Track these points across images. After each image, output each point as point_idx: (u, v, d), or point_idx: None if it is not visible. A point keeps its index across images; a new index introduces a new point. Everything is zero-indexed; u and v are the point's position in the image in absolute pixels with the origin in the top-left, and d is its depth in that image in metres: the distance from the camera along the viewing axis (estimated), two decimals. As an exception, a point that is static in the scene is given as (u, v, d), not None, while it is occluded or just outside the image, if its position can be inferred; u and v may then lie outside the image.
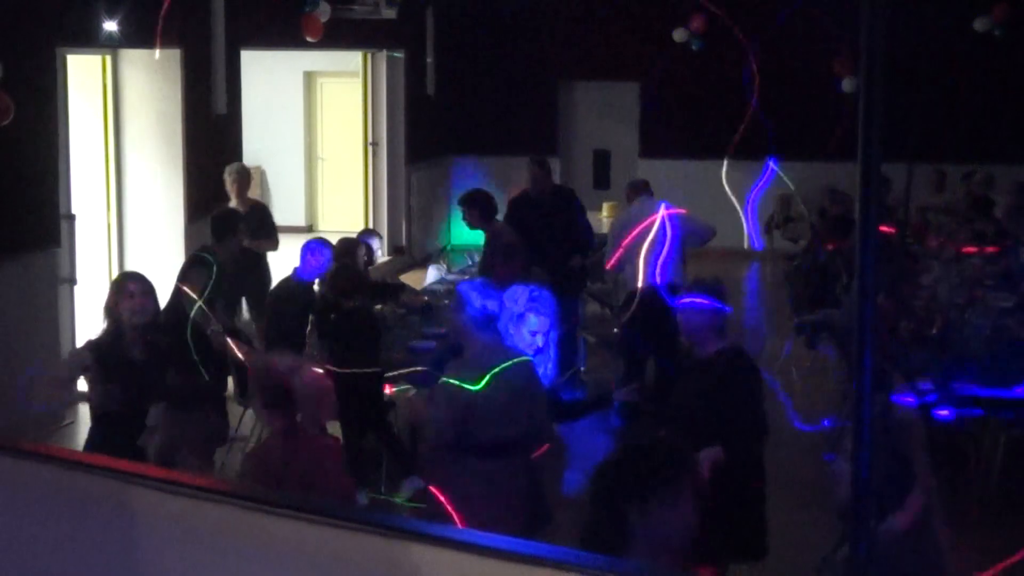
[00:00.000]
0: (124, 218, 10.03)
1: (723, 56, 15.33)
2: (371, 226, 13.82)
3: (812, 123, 14.89)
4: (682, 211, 8.96)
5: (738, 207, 7.03)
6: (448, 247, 14.66)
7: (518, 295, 5.16)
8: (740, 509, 4.92)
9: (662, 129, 16.09)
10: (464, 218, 8.64)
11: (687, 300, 5.10)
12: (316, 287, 7.96)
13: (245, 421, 7.73)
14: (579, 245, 9.35)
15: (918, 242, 10.53)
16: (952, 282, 8.48)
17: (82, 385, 5.40)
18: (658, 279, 8.11)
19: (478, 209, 8.58)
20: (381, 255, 9.08)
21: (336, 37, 12.28)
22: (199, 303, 6.67)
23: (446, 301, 8.27)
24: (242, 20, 10.75)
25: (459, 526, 4.29)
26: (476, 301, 4.88)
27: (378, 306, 8.05)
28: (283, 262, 8.46)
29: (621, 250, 8.63)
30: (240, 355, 6.08)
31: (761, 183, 6.85)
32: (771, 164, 6.74)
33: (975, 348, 7.01)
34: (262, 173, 16.71)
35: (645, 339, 8.10)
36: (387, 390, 7.10)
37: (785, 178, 7.15)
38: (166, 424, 5.65)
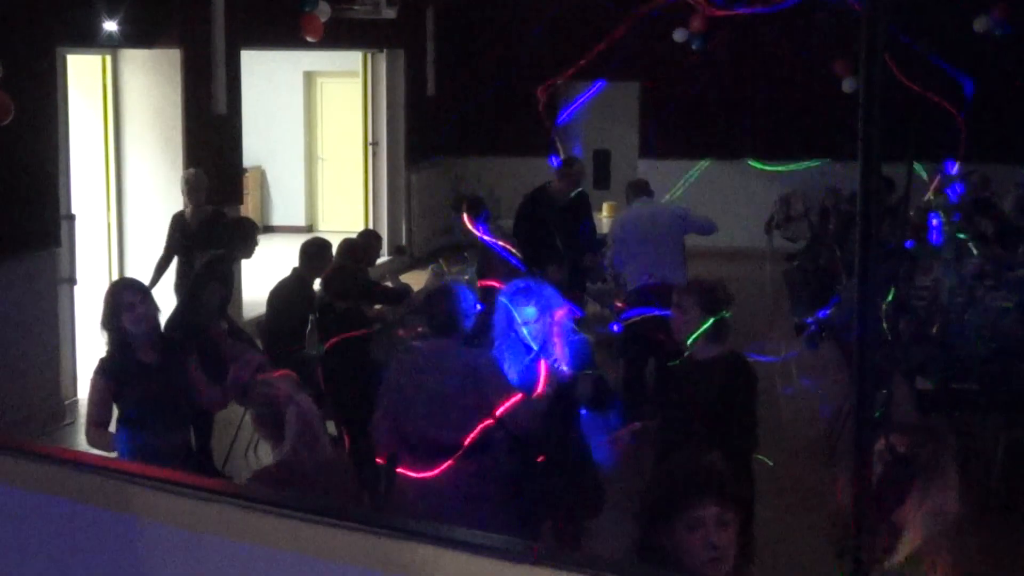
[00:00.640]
0: (124, 218, 10.03)
1: (723, 56, 15.34)
2: (371, 226, 13.83)
3: (812, 123, 14.90)
4: (680, 208, 8.98)
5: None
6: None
7: (509, 289, 5.19)
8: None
9: (662, 129, 16.09)
10: (457, 222, 8.70)
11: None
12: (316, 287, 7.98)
13: (247, 421, 7.73)
14: (590, 244, 9.41)
15: (918, 242, 10.54)
16: (952, 282, 8.49)
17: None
18: (658, 279, 8.11)
19: (467, 213, 8.62)
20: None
21: (336, 37, 12.28)
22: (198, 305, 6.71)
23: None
24: (242, 20, 10.76)
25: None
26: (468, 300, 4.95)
27: (377, 306, 8.05)
28: (283, 262, 8.46)
29: (621, 250, 8.64)
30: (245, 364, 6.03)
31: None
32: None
33: (975, 348, 7.01)
34: (262, 173, 16.72)
35: (645, 339, 8.09)
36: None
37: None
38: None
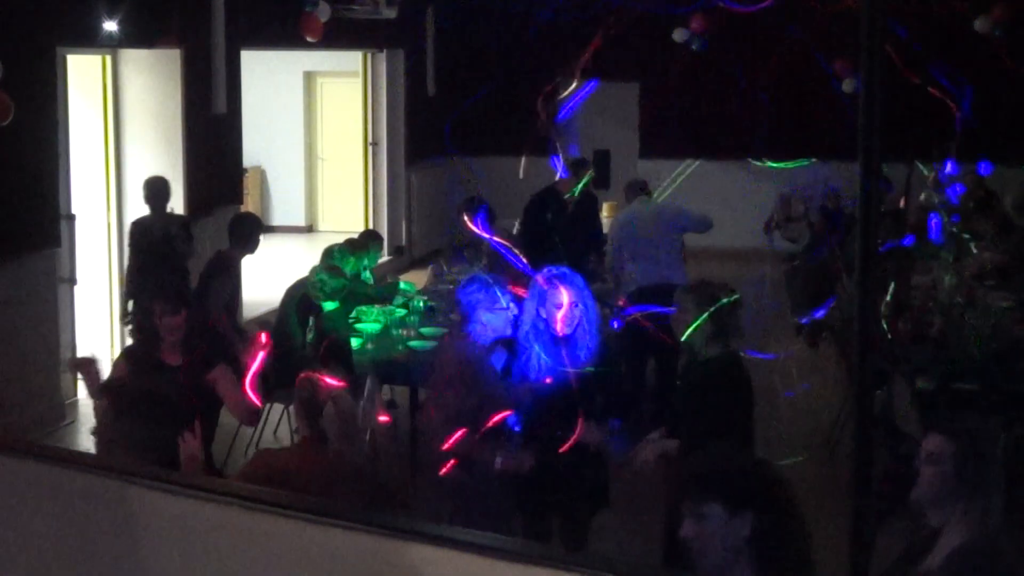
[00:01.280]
0: (124, 218, 10.02)
1: (723, 56, 15.35)
2: (371, 226, 13.82)
3: (812, 123, 14.91)
4: (677, 206, 9.00)
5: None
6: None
7: (544, 274, 5.25)
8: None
9: (662, 129, 16.09)
10: (459, 225, 8.70)
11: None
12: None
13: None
14: (596, 245, 9.43)
15: (918, 241, 10.53)
16: (952, 282, 8.49)
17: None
18: (658, 279, 8.11)
19: (471, 216, 8.63)
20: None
21: (336, 37, 12.28)
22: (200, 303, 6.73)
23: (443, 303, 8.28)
24: (242, 20, 10.75)
25: None
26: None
27: (376, 306, 8.05)
28: (283, 262, 8.46)
29: (620, 250, 8.65)
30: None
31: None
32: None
33: (975, 348, 7.00)
34: (262, 173, 16.72)
35: (645, 338, 8.09)
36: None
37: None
38: None
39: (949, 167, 11.22)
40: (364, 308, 7.95)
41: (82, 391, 7.92)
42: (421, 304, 8.07)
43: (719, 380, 4.91)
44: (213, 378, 5.49)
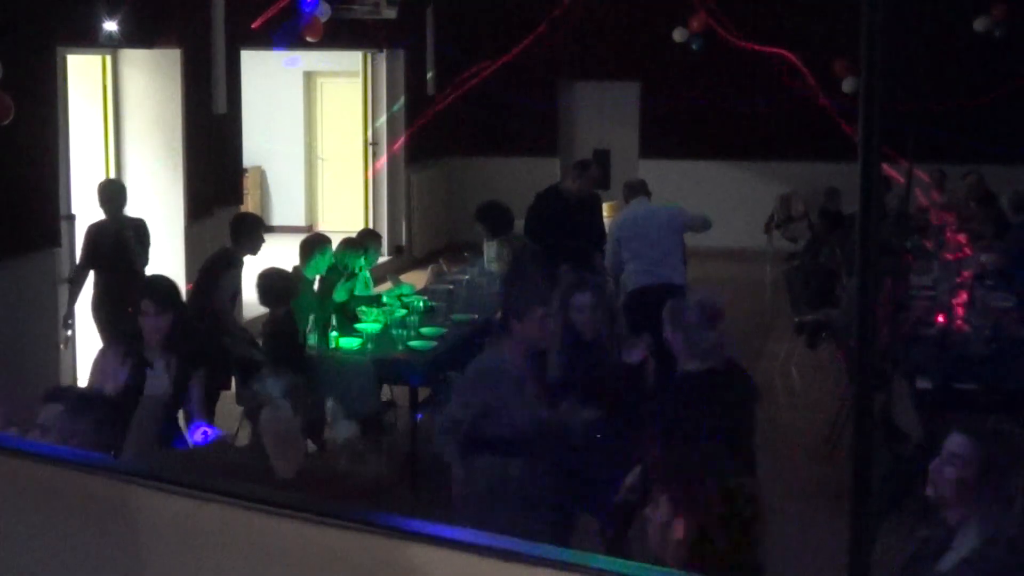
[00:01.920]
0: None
1: (723, 56, 15.35)
2: (371, 226, 13.82)
3: (812, 123, 14.91)
4: (676, 207, 9.01)
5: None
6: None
7: (567, 278, 5.28)
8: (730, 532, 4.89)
9: (662, 129, 16.10)
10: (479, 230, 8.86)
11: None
12: (316, 286, 7.98)
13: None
14: (599, 245, 9.45)
15: (918, 241, 10.54)
16: (952, 282, 8.49)
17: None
18: (657, 279, 8.12)
19: (488, 223, 8.75)
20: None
21: (336, 37, 12.28)
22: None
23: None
24: (242, 20, 10.76)
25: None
26: None
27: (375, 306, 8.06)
28: (283, 262, 8.46)
29: (620, 250, 8.65)
30: None
31: None
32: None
33: (975, 348, 7.01)
34: (262, 173, 16.73)
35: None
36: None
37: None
38: None
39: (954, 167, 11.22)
40: (364, 308, 7.95)
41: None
42: (421, 304, 8.07)
43: (726, 394, 4.88)
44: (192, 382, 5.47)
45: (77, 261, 8.29)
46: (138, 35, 9.44)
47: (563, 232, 8.80)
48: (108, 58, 9.86)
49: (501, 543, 2.39)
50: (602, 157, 16.28)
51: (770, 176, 15.45)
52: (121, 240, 8.14)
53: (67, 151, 8.95)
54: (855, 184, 1.84)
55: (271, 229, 15.93)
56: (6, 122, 7.60)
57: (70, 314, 8.19)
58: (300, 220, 16.59)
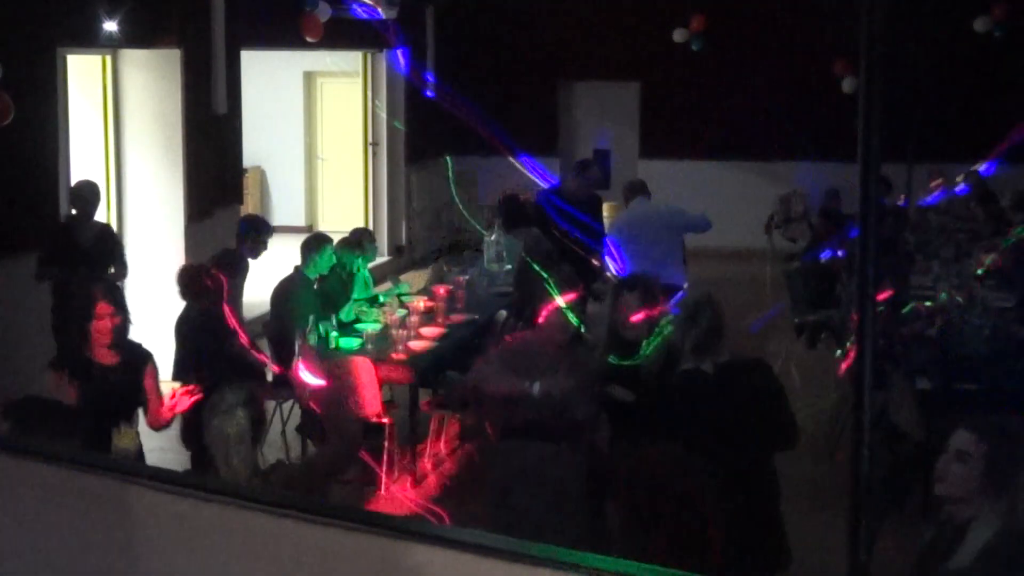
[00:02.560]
0: (124, 218, 10.03)
1: (723, 56, 15.35)
2: (371, 226, 13.82)
3: (813, 123, 14.90)
4: (675, 207, 9.01)
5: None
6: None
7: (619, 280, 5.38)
8: (759, 519, 4.92)
9: (662, 129, 16.10)
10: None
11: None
12: (316, 286, 7.97)
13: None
14: (600, 245, 9.48)
15: (918, 241, 10.54)
16: (952, 282, 8.49)
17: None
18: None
19: (506, 215, 8.85)
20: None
21: (336, 37, 12.27)
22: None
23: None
24: (242, 20, 10.75)
25: None
26: None
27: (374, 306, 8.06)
28: (283, 262, 8.45)
29: (620, 251, 8.65)
30: None
31: None
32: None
33: (975, 348, 7.00)
34: (262, 173, 16.72)
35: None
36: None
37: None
38: None
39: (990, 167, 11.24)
40: (364, 308, 7.95)
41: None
42: (421, 304, 8.07)
43: (751, 383, 4.95)
44: (144, 378, 5.44)
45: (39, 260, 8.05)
46: (138, 35, 9.43)
47: (568, 231, 8.82)
48: (108, 58, 9.85)
49: (501, 543, 2.39)
50: (602, 157, 16.28)
51: (770, 176, 15.44)
52: (102, 246, 8.09)
53: (67, 151, 8.95)
54: (855, 184, 1.85)
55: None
56: (6, 122, 7.60)
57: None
58: (300, 220, 16.59)
